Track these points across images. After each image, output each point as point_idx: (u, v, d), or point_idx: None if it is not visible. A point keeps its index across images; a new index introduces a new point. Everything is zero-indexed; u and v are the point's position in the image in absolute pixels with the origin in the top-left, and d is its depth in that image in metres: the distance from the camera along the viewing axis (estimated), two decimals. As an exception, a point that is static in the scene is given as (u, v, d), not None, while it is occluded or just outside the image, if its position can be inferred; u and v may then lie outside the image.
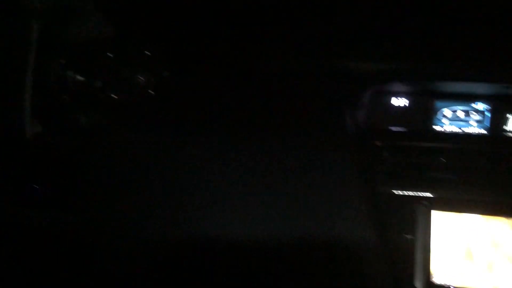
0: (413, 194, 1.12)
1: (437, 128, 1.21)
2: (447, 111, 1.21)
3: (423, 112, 1.22)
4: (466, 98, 1.20)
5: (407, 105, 1.23)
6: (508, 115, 1.19)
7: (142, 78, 1.25)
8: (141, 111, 1.25)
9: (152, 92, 1.25)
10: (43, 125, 1.21)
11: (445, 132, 1.20)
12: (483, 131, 1.19)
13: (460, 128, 1.20)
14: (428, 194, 1.12)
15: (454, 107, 1.21)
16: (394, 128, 1.20)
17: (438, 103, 1.21)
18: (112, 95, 1.21)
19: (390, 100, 1.23)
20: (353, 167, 1.06)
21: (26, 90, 1.13)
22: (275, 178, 1.09)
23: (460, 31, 1.11)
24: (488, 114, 1.19)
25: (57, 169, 1.19)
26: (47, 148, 1.20)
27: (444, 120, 1.21)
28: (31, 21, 1.12)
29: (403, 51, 1.15)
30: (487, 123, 1.19)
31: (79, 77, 1.20)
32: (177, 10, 1.25)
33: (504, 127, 1.19)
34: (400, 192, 1.13)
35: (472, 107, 1.20)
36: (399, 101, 1.23)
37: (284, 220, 1.09)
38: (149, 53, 1.24)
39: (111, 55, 1.21)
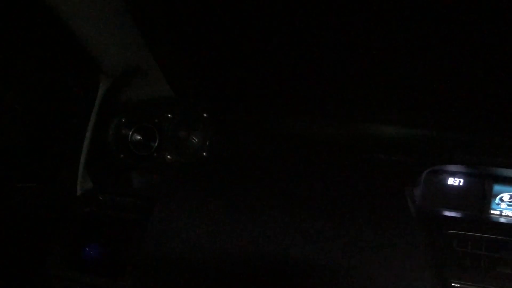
0: None
1: (495, 212, 1.19)
2: (506, 196, 1.19)
3: (479, 195, 1.20)
4: (525, 184, 1.19)
5: (464, 187, 1.21)
6: None
7: (196, 139, 1.24)
8: (194, 173, 1.24)
9: (205, 154, 1.24)
10: (94, 182, 1.19)
11: (503, 219, 1.17)
12: (542, 219, 1.17)
13: (518, 214, 1.18)
14: None
15: (513, 192, 1.19)
16: (455, 214, 1.17)
17: (496, 187, 1.20)
18: (167, 156, 1.20)
19: (447, 181, 1.22)
20: (422, 255, 1.04)
21: (84, 146, 1.12)
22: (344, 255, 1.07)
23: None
24: (547, 202, 1.17)
25: (108, 230, 1.16)
26: (98, 206, 1.17)
27: (502, 205, 1.19)
28: (99, 77, 1.13)
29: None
30: (546, 211, 1.17)
31: (137, 136, 1.19)
32: (235, 77, 1.27)
33: None
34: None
35: (530, 193, 1.18)
36: (455, 183, 1.21)
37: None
38: (206, 115, 1.24)
39: (170, 116, 1.21)
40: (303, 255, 1.14)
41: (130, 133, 1.19)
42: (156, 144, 1.20)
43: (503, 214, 1.20)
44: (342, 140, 1.22)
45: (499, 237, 1.11)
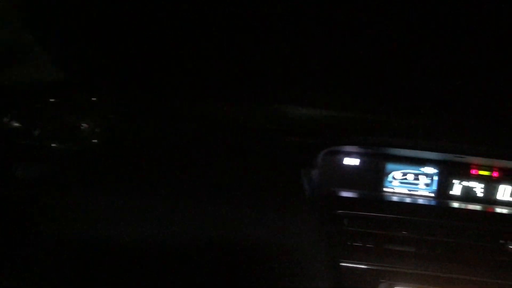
0: (376, 268, 1.09)
1: (388, 189, 1.22)
2: (398, 174, 1.23)
3: (374, 174, 1.23)
4: (416, 162, 1.22)
5: (359, 167, 1.23)
6: (453, 180, 1.22)
7: (86, 125, 1.17)
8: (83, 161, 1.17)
9: (96, 141, 1.17)
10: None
11: (395, 198, 1.20)
12: (431, 194, 1.22)
13: (409, 191, 1.22)
14: (391, 268, 1.09)
15: (405, 170, 1.23)
16: (349, 194, 1.19)
17: (389, 166, 1.23)
18: (52, 144, 1.12)
19: (342, 161, 1.23)
20: (314, 236, 1.04)
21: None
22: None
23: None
24: (435, 177, 1.22)
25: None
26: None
27: (394, 182, 1.23)
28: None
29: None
30: (434, 186, 1.22)
31: (15, 123, 1.10)
32: (126, 55, 1.20)
33: (450, 192, 1.22)
34: (364, 266, 1.10)
35: (421, 171, 1.22)
36: (351, 163, 1.23)
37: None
38: (95, 99, 1.17)
39: (54, 100, 1.13)
40: (206, 236, 1.13)
41: (7, 119, 1.09)
42: (38, 132, 1.11)
43: (395, 191, 1.23)
44: (240, 122, 1.19)
45: (389, 215, 1.13)
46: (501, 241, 1.07)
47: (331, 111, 1.17)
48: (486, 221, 1.11)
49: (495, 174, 1.22)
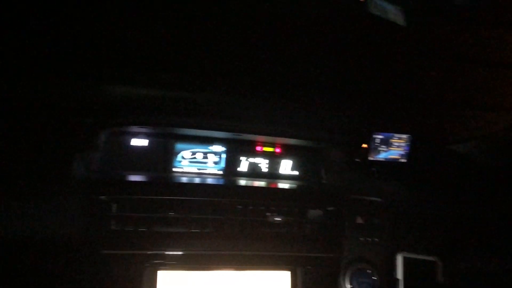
0: (140, 253, 1.04)
1: (177, 169, 1.22)
2: (187, 153, 1.23)
3: (162, 154, 1.21)
4: (205, 141, 1.24)
5: (147, 147, 1.20)
6: (240, 158, 1.28)
7: None
8: None
9: None
10: None
11: (184, 178, 1.20)
12: (220, 172, 1.26)
13: (198, 169, 1.24)
14: (159, 252, 1.05)
15: (194, 149, 1.24)
16: (130, 177, 1.14)
17: (178, 145, 1.23)
18: None
19: (129, 142, 1.19)
20: (77, 223, 0.97)
21: None
22: None
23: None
24: (224, 155, 1.26)
25: None
26: None
27: (183, 162, 1.23)
28: None
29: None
30: (223, 164, 1.26)
31: None
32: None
33: (238, 168, 1.27)
34: (127, 252, 1.03)
35: (210, 149, 1.25)
36: (138, 143, 1.19)
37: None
38: None
39: None
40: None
41: None
42: None
43: (184, 171, 1.24)
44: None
45: (158, 197, 1.08)
46: (267, 214, 1.13)
47: (115, 88, 1.10)
48: (256, 196, 1.15)
49: (278, 150, 1.32)
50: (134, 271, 1.02)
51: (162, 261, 1.04)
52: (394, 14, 1.11)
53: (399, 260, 1.18)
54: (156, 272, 1.04)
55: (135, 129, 1.17)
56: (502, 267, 1.16)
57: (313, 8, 1.03)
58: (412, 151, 1.21)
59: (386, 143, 1.20)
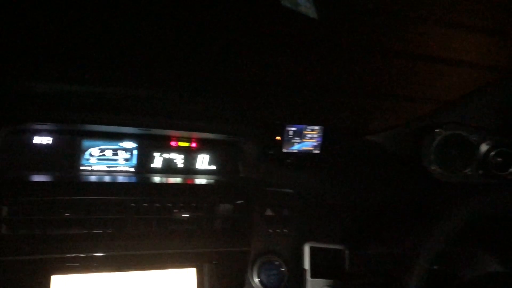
0: (31, 258, 0.98)
1: (85, 168, 1.19)
2: (95, 150, 1.20)
3: (68, 153, 1.17)
4: (115, 137, 1.21)
5: (51, 146, 1.15)
6: (154, 154, 1.25)
7: None
8: None
9: None
10: None
11: (92, 177, 1.16)
12: (131, 169, 1.23)
13: (108, 167, 1.21)
14: (53, 256, 0.99)
15: (102, 146, 1.20)
16: (33, 177, 1.09)
17: (85, 143, 1.19)
18: None
19: (31, 140, 1.14)
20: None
21: None
22: None
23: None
24: (135, 152, 1.23)
25: None
26: None
27: (91, 160, 1.19)
28: None
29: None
30: (134, 161, 1.23)
31: None
32: None
33: (151, 165, 1.25)
34: (18, 258, 0.97)
35: (120, 145, 1.22)
36: (41, 142, 1.15)
37: None
38: None
39: None
40: None
41: None
42: None
43: (93, 169, 1.20)
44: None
45: (67, 197, 1.04)
46: (174, 211, 1.11)
47: (13, 82, 1.04)
48: (166, 193, 1.12)
49: (194, 145, 1.30)
50: (24, 277, 0.96)
51: (57, 264, 1.00)
52: (306, 7, 1.11)
53: (306, 250, 1.18)
54: (50, 277, 0.99)
55: (36, 126, 1.13)
56: (407, 252, 1.18)
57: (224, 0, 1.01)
58: (324, 142, 1.21)
59: (299, 135, 1.20)
